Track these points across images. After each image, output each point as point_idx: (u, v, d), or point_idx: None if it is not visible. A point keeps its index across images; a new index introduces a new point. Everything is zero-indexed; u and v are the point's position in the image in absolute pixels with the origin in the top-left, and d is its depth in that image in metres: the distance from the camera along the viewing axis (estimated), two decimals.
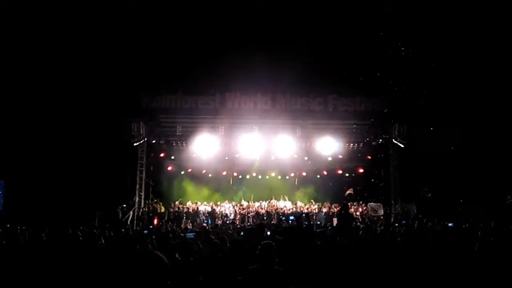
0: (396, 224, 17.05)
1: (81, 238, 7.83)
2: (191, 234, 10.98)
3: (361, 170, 27.25)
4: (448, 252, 6.84)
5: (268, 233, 10.01)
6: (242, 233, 10.52)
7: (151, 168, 25.25)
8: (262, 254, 4.84)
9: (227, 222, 21.76)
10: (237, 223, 21.28)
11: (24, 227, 12.55)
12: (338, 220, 13.23)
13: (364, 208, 24.48)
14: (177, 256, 6.41)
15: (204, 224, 19.46)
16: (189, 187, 26.57)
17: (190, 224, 21.88)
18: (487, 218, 15.40)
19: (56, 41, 19.68)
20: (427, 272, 6.07)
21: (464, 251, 7.06)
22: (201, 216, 23.46)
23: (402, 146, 23.63)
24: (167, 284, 2.57)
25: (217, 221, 22.31)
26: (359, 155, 26.27)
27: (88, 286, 5.55)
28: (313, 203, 25.74)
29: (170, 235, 11.87)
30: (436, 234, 10.31)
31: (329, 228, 14.55)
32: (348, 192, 25.80)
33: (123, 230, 14.80)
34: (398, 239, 8.45)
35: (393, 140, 24.08)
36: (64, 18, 19.44)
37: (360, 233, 10.55)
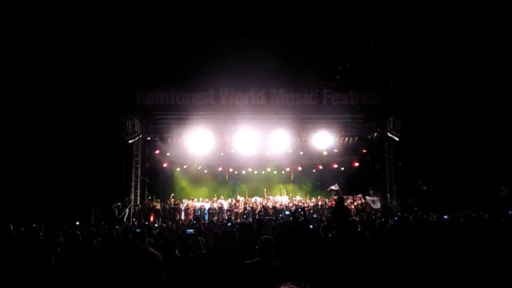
0: (395, 218, 17.07)
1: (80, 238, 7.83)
2: (191, 230, 10.98)
3: (356, 164, 27.30)
4: (443, 245, 6.87)
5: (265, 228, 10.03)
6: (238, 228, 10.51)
7: (147, 165, 25.21)
8: (261, 248, 4.85)
9: (223, 218, 21.77)
10: (233, 218, 21.29)
11: (23, 228, 12.52)
12: (334, 214, 13.23)
13: (360, 201, 24.50)
14: (176, 252, 6.41)
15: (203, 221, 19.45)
16: (185, 184, 26.57)
17: (187, 220, 21.88)
18: (482, 210, 15.50)
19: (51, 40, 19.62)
20: (424, 266, 6.09)
21: (460, 243, 7.09)
22: (197, 212, 23.43)
23: (397, 139, 23.67)
24: (161, 281, 2.56)
25: (213, 217, 22.31)
26: (355, 148, 26.35)
27: (80, 284, 5.55)
28: (309, 197, 25.79)
29: (166, 232, 11.89)
30: (430, 226, 10.36)
31: (324, 221, 14.56)
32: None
33: (117, 227, 14.81)
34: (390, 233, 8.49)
35: (388, 133, 24.12)
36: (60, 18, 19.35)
37: (358, 227, 10.59)
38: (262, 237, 5.09)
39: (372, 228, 9.41)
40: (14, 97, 20.51)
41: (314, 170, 28.31)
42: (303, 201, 24.87)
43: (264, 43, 21.17)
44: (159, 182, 26.31)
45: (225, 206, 24.09)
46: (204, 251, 7.18)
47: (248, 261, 4.85)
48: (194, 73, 23.08)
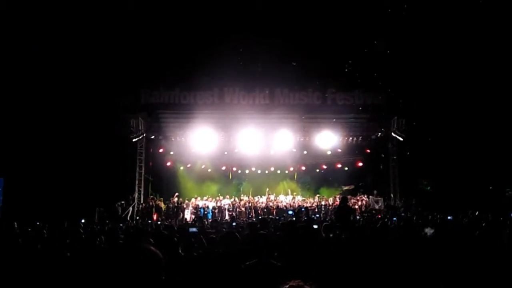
0: (395, 218, 17.00)
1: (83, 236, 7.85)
2: (194, 229, 10.95)
3: (360, 164, 27.25)
4: (446, 245, 6.85)
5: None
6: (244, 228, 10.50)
7: (150, 163, 25.23)
8: (257, 246, 4.81)
9: (225, 217, 21.78)
10: (236, 218, 21.31)
11: (27, 225, 12.58)
12: (337, 214, 13.23)
13: (365, 201, 24.48)
14: (180, 251, 6.41)
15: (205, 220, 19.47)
16: (189, 183, 26.56)
17: (190, 219, 21.92)
18: (486, 211, 15.42)
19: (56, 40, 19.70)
20: (426, 267, 6.08)
21: (463, 244, 7.07)
22: (200, 211, 23.45)
23: (401, 139, 23.62)
24: (162, 279, 2.57)
25: (217, 216, 22.35)
26: (358, 148, 26.30)
27: (81, 282, 5.57)
28: (313, 197, 25.80)
29: (166, 231, 11.88)
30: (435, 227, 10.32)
31: (328, 221, 14.57)
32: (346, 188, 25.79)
33: (121, 225, 14.86)
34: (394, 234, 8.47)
35: (392, 133, 24.06)
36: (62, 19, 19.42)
37: (360, 225, 10.58)
38: (256, 234, 5.04)
39: (374, 228, 9.39)
40: (20, 96, 20.60)
41: (317, 170, 28.30)
42: (306, 201, 24.89)
43: (269, 42, 21.16)
44: (163, 180, 26.30)
45: (229, 205, 24.09)
46: (216, 250, 7.16)
47: (247, 263, 4.82)
48: (199, 72, 23.12)
